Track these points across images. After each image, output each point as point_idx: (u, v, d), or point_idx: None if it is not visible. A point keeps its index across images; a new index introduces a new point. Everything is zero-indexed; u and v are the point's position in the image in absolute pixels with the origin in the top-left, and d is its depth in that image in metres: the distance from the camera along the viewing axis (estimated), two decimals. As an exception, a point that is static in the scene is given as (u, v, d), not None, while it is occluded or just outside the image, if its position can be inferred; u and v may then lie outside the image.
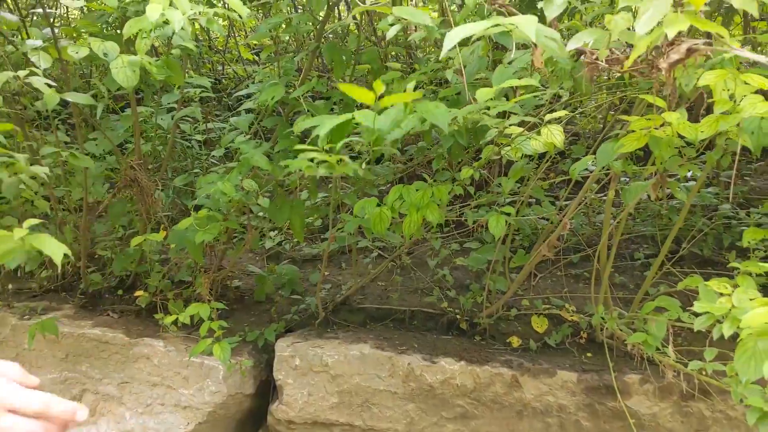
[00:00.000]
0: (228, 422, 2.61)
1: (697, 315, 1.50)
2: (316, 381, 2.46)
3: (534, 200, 2.92)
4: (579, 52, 1.16)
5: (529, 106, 2.38)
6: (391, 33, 1.11)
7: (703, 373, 1.72)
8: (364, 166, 1.23)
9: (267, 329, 2.64)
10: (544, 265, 3.14)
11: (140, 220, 2.78)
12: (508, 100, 2.15)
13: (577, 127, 4.35)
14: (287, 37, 3.23)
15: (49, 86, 1.90)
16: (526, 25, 0.97)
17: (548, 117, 1.89)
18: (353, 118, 1.30)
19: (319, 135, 1.38)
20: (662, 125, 1.35)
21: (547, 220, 2.73)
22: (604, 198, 2.56)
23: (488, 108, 1.48)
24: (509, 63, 1.48)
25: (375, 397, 2.46)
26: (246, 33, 5.40)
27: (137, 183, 2.58)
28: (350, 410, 2.48)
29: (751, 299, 1.29)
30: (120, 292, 3.03)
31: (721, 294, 1.35)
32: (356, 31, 2.47)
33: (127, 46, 2.22)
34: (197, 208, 2.25)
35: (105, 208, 2.95)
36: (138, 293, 2.82)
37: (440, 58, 1.53)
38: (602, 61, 1.11)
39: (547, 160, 2.73)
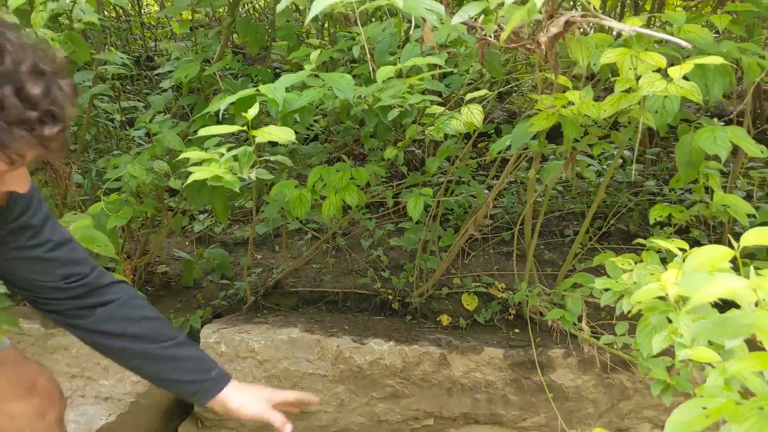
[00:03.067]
0: (153, 412, 2.55)
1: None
2: (243, 367, 2.42)
3: (466, 180, 2.92)
4: (471, 28, 1.14)
5: (456, 86, 2.37)
6: (281, 6, 1.06)
7: (614, 346, 1.76)
8: (254, 171, 1.18)
9: (193, 315, 2.58)
10: (477, 244, 3.16)
11: (57, 206, 2.66)
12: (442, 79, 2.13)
13: (514, 106, 4.38)
14: (204, 12, 3.12)
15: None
16: (395, -7, 0.93)
17: (469, 96, 1.87)
18: (257, 92, 1.26)
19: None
20: (568, 104, 1.35)
21: (474, 198, 2.74)
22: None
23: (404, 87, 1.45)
24: (416, 41, 1.45)
25: (304, 381, 2.44)
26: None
27: (50, 166, 2.46)
28: (279, 394, 2.45)
29: (652, 274, 1.32)
30: (40, 280, 2.90)
31: (625, 270, 1.37)
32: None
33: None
34: (111, 192, 2.16)
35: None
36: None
37: (305, 24, 1.49)
38: (491, 37, 1.09)
39: (478, 140, 2.74)
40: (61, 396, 1.81)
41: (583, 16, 0.98)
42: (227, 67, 2.01)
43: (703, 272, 0.79)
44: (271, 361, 2.40)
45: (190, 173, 1.24)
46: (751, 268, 0.79)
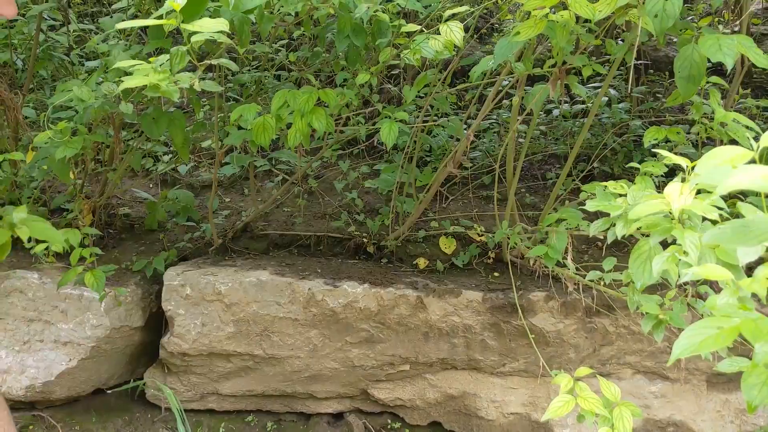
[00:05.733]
0: (117, 357, 2.43)
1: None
2: (209, 310, 2.30)
3: (446, 114, 2.77)
4: None
5: (434, 7, 2.20)
6: None
7: (602, 283, 1.66)
8: (198, 79, 1.03)
9: (156, 258, 2.43)
10: (455, 188, 3.04)
11: (8, 141, 2.47)
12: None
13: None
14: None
15: None
16: None
17: (448, 13, 1.72)
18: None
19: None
20: (558, 5, 1.21)
21: (452, 138, 2.60)
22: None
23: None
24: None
25: (275, 325, 2.32)
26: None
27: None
28: (248, 339, 2.34)
29: (650, 194, 1.20)
30: (-7, 222, 2.72)
31: (618, 195, 1.26)
32: None
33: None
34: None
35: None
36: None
37: None
38: None
39: (457, 81, 2.58)
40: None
41: None
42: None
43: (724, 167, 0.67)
44: (239, 304, 2.28)
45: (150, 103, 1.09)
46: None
